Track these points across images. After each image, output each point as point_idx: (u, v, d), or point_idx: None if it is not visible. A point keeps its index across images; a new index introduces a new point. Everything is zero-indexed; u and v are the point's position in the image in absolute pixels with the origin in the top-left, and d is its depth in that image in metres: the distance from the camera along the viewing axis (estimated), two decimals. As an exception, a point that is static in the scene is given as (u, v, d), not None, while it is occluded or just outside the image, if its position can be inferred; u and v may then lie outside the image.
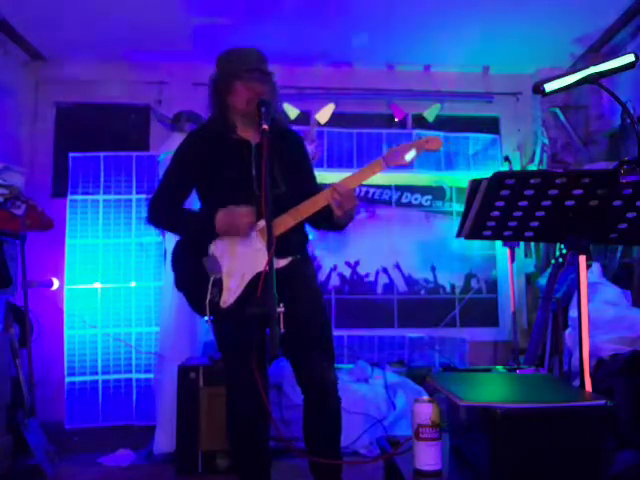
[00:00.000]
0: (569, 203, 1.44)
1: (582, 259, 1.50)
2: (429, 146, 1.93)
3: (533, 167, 4.16)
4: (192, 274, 1.99)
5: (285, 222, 1.94)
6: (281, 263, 1.93)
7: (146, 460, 3.12)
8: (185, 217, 2.07)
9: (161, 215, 2.08)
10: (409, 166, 2.04)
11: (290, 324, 1.70)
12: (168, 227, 2.18)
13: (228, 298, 1.93)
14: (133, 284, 3.76)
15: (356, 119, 4.33)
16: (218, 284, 1.94)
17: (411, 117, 4.37)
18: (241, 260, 1.94)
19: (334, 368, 2.09)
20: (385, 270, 4.09)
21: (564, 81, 1.64)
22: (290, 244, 1.97)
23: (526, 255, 4.17)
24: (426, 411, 1.41)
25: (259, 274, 1.83)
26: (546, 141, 4.16)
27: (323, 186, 2.14)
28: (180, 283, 2.06)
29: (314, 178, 2.20)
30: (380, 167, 1.94)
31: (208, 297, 1.93)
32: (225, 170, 2.00)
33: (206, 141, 2.04)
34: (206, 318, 1.95)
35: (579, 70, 1.62)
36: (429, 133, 4.16)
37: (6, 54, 3.85)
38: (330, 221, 2.01)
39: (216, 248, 1.97)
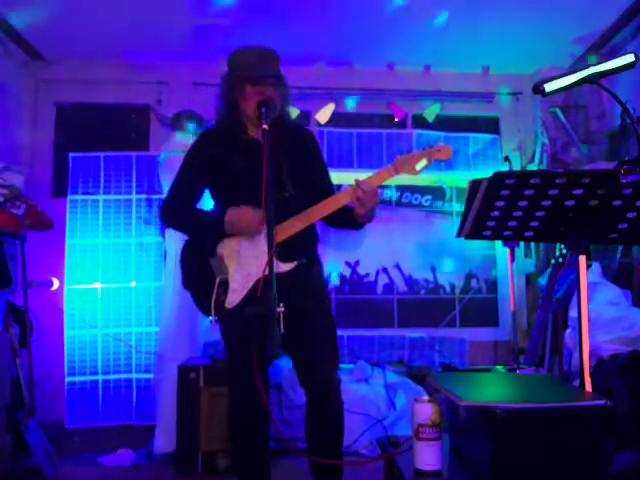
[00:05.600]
0: (569, 203, 1.44)
1: (582, 259, 1.49)
2: (440, 156, 1.89)
3: (533, 167, 4.16)
4: (199, 274, 1.99)
5: (293, 226, 1.92)
6: (286, 267, 1.93)
7: (146, 460, 3.12)
8: (197, 218, 2.06)
9: (175, 216, 2.08)
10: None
11: (295, 326, 1.70)
12: (181, 228, 2.14)
13: (233, 299, 1.93)
14: (133, 284, 3.76)
15: (356, 119, 4.33)
16: (224, 285, 1.94)
17: (411, 117, 4.37)
18: (247, 262, 1.94)
19: (337, 370, 2.09)
20: (385, 270, 4.10)
21: (564, 81, 1.64)
22: (296, 248, 1.96)
23: (526, 255, 4.17)
24: (426, 411, 1.41)
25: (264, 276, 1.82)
26: (546, 141, 4.16)
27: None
28: (187, 282, 2.06)
29: (328, 177, 2.16)
30: (390, 175, 1.91)
31: (214, 297, 1.93)
32: (236, 170, 1.99)
33: (217, 141, 2.04)
34: (210, 318, 1.95)
35: (579, 70, 1.62)
36: (429, 133, 4.17)
37: (6, 54, 3.85)
38: (350, 219, 1.99)
39: (224, 249, 1.97)
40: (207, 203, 2.16)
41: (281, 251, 1.91)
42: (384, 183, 1.98)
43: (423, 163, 1.88)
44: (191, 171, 2.07)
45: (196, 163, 2.06)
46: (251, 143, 2.01)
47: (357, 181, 1.88)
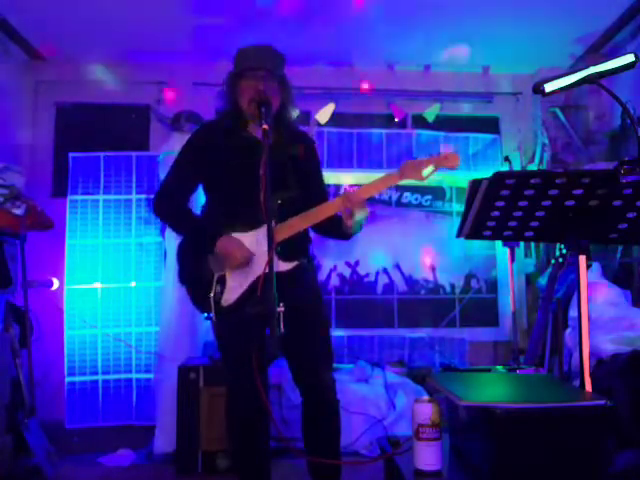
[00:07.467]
0: (569, 203, 1.44)
1: (582, 259, 1.49)
2: (447, 164, 1.85)
3: (533, 167, 4.16)
4: (197, 269, 1.97)
5: (295, 225, 1.92)
6: (287, 267, 1.93)
7: (146, 460, 3.12)
8: (189, 221, 2.04)
9: (166, 208, 2.06)
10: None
11: (291, 326, 1.69)
12: (170, 223, 2.14)
13: (230, 297, 1.92)
14: (133, 284, 3.76)
15: (356, 119, 4.33)
16: (222, 282, 1.94)
17: (411, 117, 4.37)
18: None
19: (332, 370, 2.10)
20: (385, 270, 4.10)
21: (564, 81, 1.64)
22: (296, 248, 1.97)
23: (526, 255, 4.17)
24: (426, 411, 1.41)
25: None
26: (546, 141, 4.16)
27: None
28: (183, 277, 2.04)
29: (324, 183, 2.19)
30: (395, 180, 1.90)
31: (212, 294, 1.92)
32: (233, 167, 1.99)
33: (217, 136, 2.03)
34: (205, 315, 1.94)
35: (579, 70, 1.62)
36: (429, 133, 4.17)
37: (6, 54, 3.85)
38: (338, 229, 2.00)
39: None
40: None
41: (282, 250, 1.91)
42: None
43: (430, 169, 1.87)
44: (187, 163, 2.05)
45: (193, 155, 2.05)
46: (251, 141, 2.01)
47: (346, 192, 1.90)
